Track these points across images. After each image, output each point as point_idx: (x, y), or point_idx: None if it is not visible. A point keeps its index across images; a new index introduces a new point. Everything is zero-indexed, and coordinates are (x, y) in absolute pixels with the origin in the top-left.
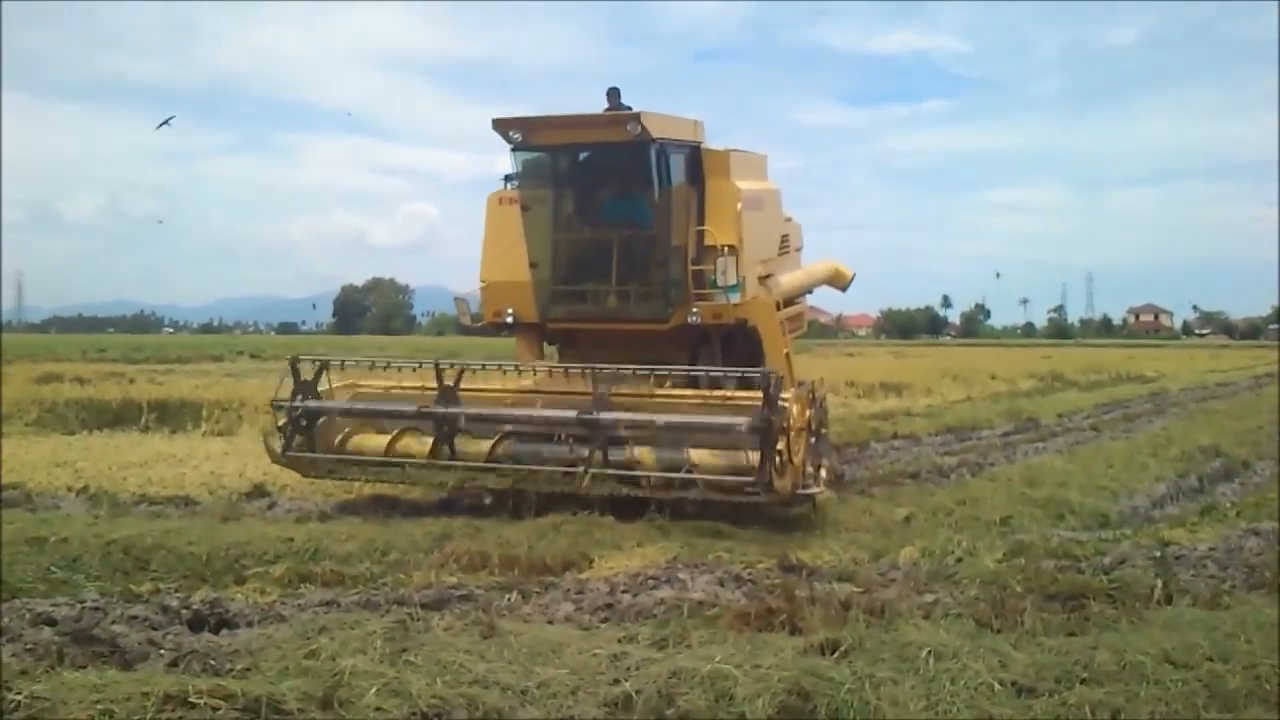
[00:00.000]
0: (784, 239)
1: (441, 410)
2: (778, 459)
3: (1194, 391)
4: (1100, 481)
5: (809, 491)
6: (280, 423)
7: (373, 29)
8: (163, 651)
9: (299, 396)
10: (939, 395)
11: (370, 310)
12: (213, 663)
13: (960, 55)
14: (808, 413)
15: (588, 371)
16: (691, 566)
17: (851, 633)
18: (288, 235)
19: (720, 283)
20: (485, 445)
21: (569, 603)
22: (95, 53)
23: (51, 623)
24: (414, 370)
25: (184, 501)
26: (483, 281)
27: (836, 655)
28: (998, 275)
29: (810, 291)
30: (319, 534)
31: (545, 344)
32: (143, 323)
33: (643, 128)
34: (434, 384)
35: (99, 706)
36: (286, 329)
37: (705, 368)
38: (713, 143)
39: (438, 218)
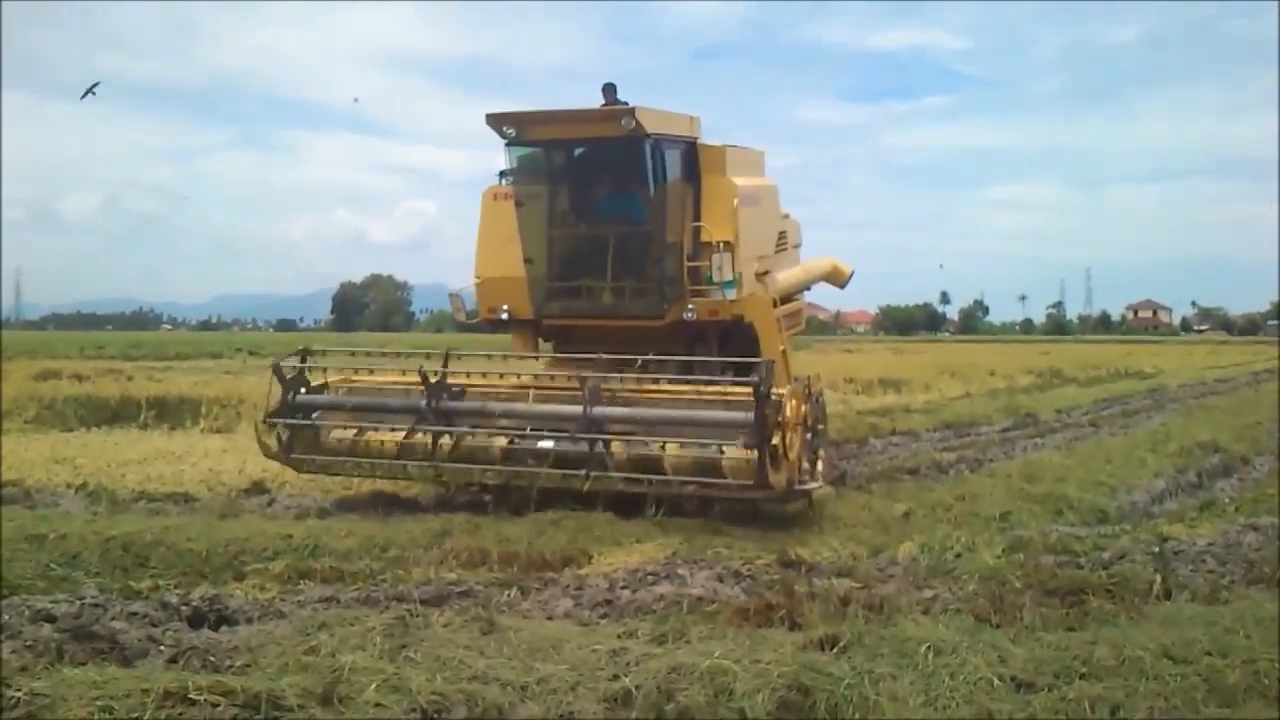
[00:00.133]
0: (781, 235)
1: (434, 405)
2: (773, 453)
3: (1193, 387)
4: (1099, 477)
5: (806, 487)
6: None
7: (373, 28)
8: (162, 648)
9: (289, 394)
10: (938, 391)
11: (369, 307)
12: (212, 659)
13: (960, 52)
14: (803, 408)
15: (582, 365)
16: (691, 562)
17: (851, 628)
18: (287, 234)
19: (716, 279)
20: (479, 441)
21: (568, 599)
22: (95, 53)
23: (51, 619)
24: (417, 357)
25: (183, 498)
26: (477, 277)
27: (836, 650)
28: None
29: (808, 288)
30: (318, 530)
31: (541, 340)
32: (141, 320)
33: (637, 123)
34: (428, 379)
35: (99, 703)
36: (285, 326)
37: (699, 357)
38: (712, 140)
39: (437, 215)
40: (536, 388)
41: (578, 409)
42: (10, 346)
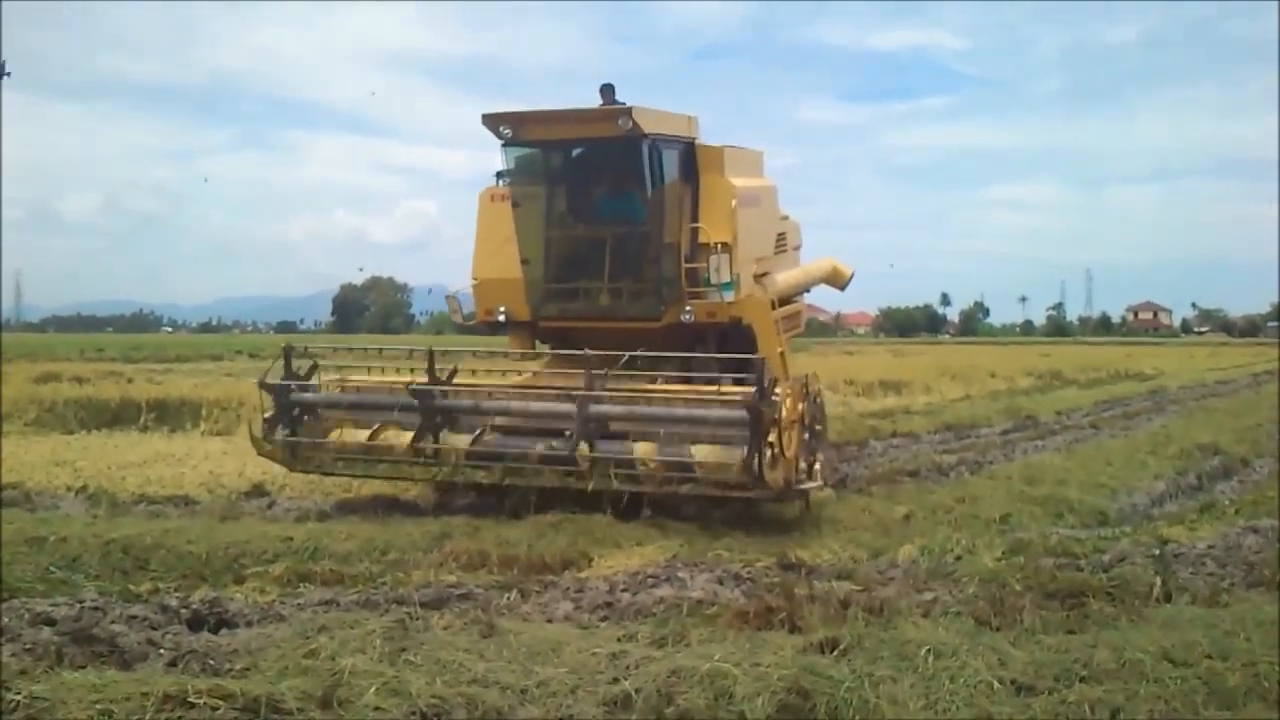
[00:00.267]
0: (780, 236)
1: (428, 403)
2: (769, 451)
3: (1193, 389)
4: (1099, 479)
5: (803, 487)
6: (267, 414)
7: (373, 28)
8: (162, 651)
9: (287, 377)
10: (938, 393)
11: (369, 309)
12: (212, 662)
13: (960, 52)
14: (800, 406)
15: (578, 363)
16: (691, 565)
17: (851, 631)
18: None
19: (714, 281)
20: (470, 439)
21: (568, 601)
22: (95, 53)
23: (51, 622)
24: (409, 356)
25: (183, 501)
26: (474, 279)
27: (836, 653)
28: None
29: (808, 290)
30: (318, 533)
31: (538, 342)
32: (141, 322)
33: (634, 123)
34: (423, 377)
35: (98, 706)
36: (285, 328)
37: (695, 354)
38: (711, 140)
39: (437, 215)
40: (532, 387)
41: (572, 408)
42: (10, 349)
